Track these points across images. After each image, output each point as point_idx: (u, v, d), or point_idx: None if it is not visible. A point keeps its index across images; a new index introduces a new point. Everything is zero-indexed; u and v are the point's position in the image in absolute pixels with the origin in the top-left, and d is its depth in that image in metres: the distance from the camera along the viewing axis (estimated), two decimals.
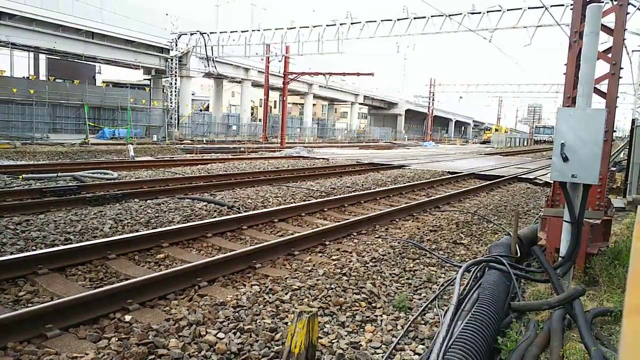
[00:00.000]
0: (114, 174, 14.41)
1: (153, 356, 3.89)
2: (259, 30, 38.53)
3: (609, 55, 6.62)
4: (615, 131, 7.54)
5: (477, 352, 3.58)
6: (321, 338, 4.41)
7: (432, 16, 31.90)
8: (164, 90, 44.72)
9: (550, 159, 5.52)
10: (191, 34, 42.63)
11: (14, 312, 4.26)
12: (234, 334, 4.40)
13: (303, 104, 70.74)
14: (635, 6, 21.83)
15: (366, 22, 34.12)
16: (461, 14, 31.07)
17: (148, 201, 10.53)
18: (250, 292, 5.38)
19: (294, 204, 10.91)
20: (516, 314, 4.80)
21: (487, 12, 30.21)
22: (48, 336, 4.19)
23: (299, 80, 51.14)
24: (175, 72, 43.43)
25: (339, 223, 9.02)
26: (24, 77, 45.86)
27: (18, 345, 4.02)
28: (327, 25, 35.33)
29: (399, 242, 8.06)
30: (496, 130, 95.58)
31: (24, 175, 13.05)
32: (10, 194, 10.36)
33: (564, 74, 7.02)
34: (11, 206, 9.13)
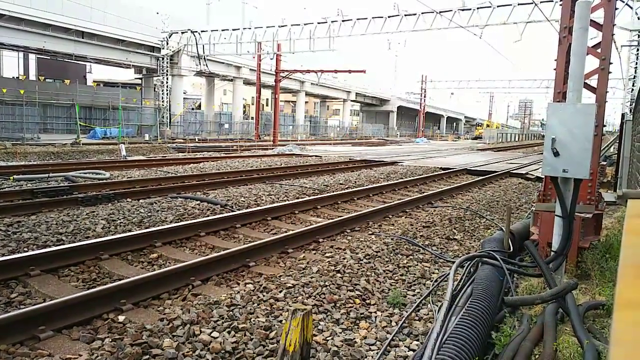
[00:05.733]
0: (106, 174, 14.35)
1: (147, 356, 3.88)
2: (250, 28, 38.48)
3: (599, 50, 6.65)
4: (605, 126, 7.57)
5: (471, 348, 3.59)
6: (316, 335, 4.41)
7: (422, 13, 31.97)
8: (156, 89, 44.60)
9: (541, 154, 5.54)
10: (182, 33, 42.53)
11: (6, 314, 4.23)
12: (228, 332, 4.39)
13: (295, 101, 70.72)
14: (623, 1, 21.93)
15: (357, 19, 34.15)
16: (451, 10, 31.16)
17: (140, 201, 10.50)
18: (244, 290, 5.38)
19: (287, 202, 10.91)
20: (509, 308, 4.82)
21: (478, 8, 30.30)
22: (41, 338, 4.17)
23: (291, 78, 51.06)
24: (167, 71, 43.32)
25: (332, 220, 9.03)
26: (13, 77, 45.62)
27: (11, 348, 4.00)
28: (318, 23, 35.32)
29: (392, 239, 8.08)
30: (488, 126, 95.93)
31: (15, 176, 12.97)
32: (1, 195, 10.29)
33: (554, 69, 7.06)
34: (2, 207, 9.06)
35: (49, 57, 42.52)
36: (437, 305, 5.22)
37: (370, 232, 8.83)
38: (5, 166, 16.51)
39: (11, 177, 12.88)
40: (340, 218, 9.28)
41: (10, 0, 31.89)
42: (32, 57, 52.13)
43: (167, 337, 4.19)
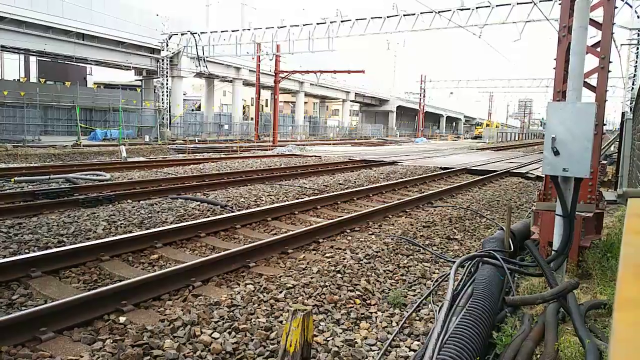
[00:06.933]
0: (106, 175, 14.36)
1: (148, 357, 3.88)
2: (249, 30, 38.48)
3: (598, 49, 6.65)
4: (605, 124, 7.57)
5: (472, 348, 3.59)
6: (316, 336, 4.41)
7: (421, 13, 31.96)
8: (156, 91, 44.61)
9: (541, 153, 5.54)
10: (182, 34, 42.54)
11: (8, 316, 4.24)
12: (229, 333, 4.40)
13: (294, 102, 70.76)
14: (623, 0, 21.94)
15: (356, 19, 34.13)
16: (450, 10, 31.14)
17: (141, 202, 10.50)
18: (245, 291, 5.38)
19: (287, 202, 10.90)
20: (510, 308, 4.82)
21: (477, 8, 30.27)
22: (42, 339, 4.17)
23: (290, 79, 51.12)
24: (167, 73, 43.34)
25: (332, 220, 9.02)
26: (14, 79, 45.61)
27: (12, 349, 4.00)
28: (317, 24, 35.32)
29: (392, 239, 8.07)
30: (487, 125, 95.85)
31: (16, 178, 12.99)
32: (2, 197, 10.30)
33: (554, 68, 7.05)
34: (3, 209, 9.07)
35: (49, 60, 42.61)
36: (437, 305, 5.21)
37: (370, 232, 8.83)
38: (7, 168, 16.52)
39: (12, 179, 12.89)
40: (340, 218, 9.28)
41: (11, 2, 31.92)
42: (33, 60, 52.11)
43: (167, 338, 4.19)
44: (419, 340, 4.56)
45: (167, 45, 43.06)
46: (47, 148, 27.38)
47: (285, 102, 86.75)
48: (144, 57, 43.41)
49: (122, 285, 5.12)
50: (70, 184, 12.72)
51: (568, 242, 5.17)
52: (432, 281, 6.28)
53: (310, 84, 64.11)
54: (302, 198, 12.00)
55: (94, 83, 55.94)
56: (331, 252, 7.27)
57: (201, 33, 40.89)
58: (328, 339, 4.47)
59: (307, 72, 46.60)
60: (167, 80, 43.38)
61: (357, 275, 6.13)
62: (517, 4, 29.05)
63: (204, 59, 41.48)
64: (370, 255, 7.02)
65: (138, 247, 7.04)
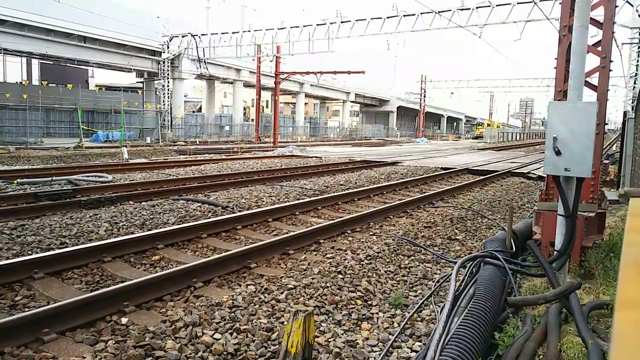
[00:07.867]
0: (108, 177, 14.37)
1: (150, 358, 3.89)
2: (249, 31, 38.54)
3: (599, 48, 6.65)
4: (607, 124, 7.57)
5: (474, 348, 3.59)
6: (318, 337, 4.41)
7: (421, 13, 31.96)
8: (157, 93, 44.71)
9: (543, 152, 5.54)
10: (182, 36, 42.64)
11: (11, 317, 4.24)
12: (231, 334, 4.40)
13: (295, 103, 70.75)
14: None
15: (356, 20, 34.17)
16: (450, 10, 31.14)
17: (143, 203, 10.51)
18: (246, 292, 5.38)
19: (287, 203, 10.90)
20: (513, 308, 4.81)
21: (477, 8, 30.27)
22: (45, 340, 4.18)
23: (290, 80, 51.13)
24: (168, 74, 43.42)
25: (333, 221, 9.02)
26: (17, 82, 45.65)
27: (15, 350, 4.01)
28: (317, 25, 35.36)
29: (393, 239, 8.06)
30: (488, 125, 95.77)
31: (18, 180, 12.98)
32: (5, 199, 10.31)
33: (555, 68, 7.05)
34: (6, 211, 9.08)
35: (51, 62, 42.66)
36: (439, 306, 5.21)
37: (371, 233, 8.83)
38: (9, 170, 16.55)
39: (15, 181, 12.89)
40: (341, 219, 9.27)
41: (14, 6, 31.98)
42: (35, 62, 52.28)
43: (169, 339, 4.20)
44: (420, 341, 4.56)
45: (168, 47, 43.16)
46: (49, 150, 27.41)
47: (285, 103, 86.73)
48: (145, 59, 43.49)
49: (124, 286, 5.12)
50: (72, 186, 12.73)
51: (570, 242, 5.16)
52: (433, 282, 6.27)
53: (311, 85, 64.09)
54: (303, 199, 11.99)
55: (96, 85, 56.12)
56: (332, 253, 7.27)
57: (202, 35, 40.99)
58: (329, 340, 4.47)
59: (307, 73, 46.58)
60: (168, 82, 43.47)
61: (358, 276, 6.12)
62: (518, 3, 29.06)
63: (204, 61, 41.58)
64: (372, 256, 7.01)
65: (140, 248, 7.04)
